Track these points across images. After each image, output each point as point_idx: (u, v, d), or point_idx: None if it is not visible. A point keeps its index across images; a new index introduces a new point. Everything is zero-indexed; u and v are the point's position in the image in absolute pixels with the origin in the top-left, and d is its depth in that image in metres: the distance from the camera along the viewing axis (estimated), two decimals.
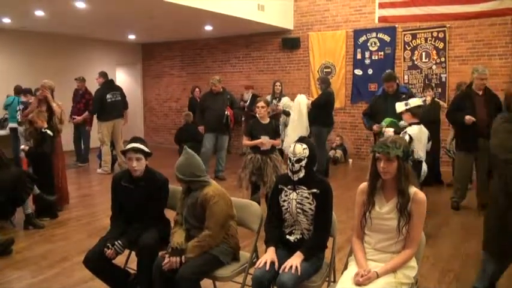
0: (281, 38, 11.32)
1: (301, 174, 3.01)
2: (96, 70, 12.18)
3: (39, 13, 8.77)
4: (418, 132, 5.14)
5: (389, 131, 5.42)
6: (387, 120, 5.75)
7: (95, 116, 9.45)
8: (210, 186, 3.26)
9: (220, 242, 3.22)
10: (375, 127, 6.15)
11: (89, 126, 10.07)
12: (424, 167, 5.23)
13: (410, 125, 5.23)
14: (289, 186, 3.08)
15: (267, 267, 2.85)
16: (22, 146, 5.88)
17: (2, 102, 10.23)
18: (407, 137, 4.97)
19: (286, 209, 3.06)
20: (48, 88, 6.36)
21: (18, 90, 9.61)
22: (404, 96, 6.16)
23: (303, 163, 3.00)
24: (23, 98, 9.10)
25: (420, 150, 5.16)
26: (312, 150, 3.08)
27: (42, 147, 5.93)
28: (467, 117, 5.94)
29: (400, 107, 5.37)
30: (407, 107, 5.27)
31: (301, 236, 3.05)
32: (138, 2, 7.69)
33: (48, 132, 5.99)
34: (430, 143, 5.44)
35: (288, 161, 3.06)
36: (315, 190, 2.99)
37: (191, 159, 3.29)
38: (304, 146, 3.04)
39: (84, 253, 3.43)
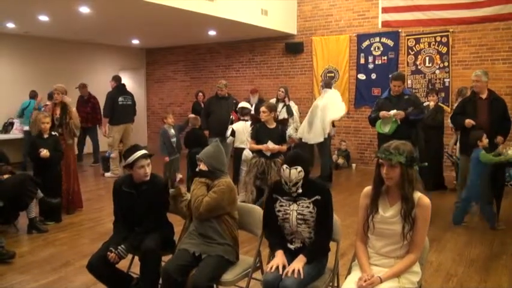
0: (284, 42, 11.34)
1: (300, 190, 2.97)
2: (100, 75, 12.36)
3: (43, 18, 8.81)
4: (241, 128, 7.09)
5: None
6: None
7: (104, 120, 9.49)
8: (224, 179, 3.35)
9: (219, 237, 3.26)
10: (383, 113, 6.08)
11: (100, 125, 10.19)
12: (245, 152, 6.72)
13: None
14: (285, 198, 3.03)
15: (280, 271, 2.83)
16: (44, 151, 5.79)
17: (5, 107, 10.32)
18: (229, 131, 7.15)
19: (284, 219, 3.02)
20: (61, 92, 6.41)
21: (33, 95, 10.01)
22: (407, 97, 6.16)
23: (300, 184, 2.96)
24: (48, 102, 9.21)
25: (243, 142, 6.93)
26: (307, 166, 3.01)
27: (58, 149, 5.97)
28: (467, 120, 5.95)
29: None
30: (237, 108, 7.79)
31: (302, 245, 3.02)
32: (142, 7, 7.71)
33: (55, 133, 6.03)
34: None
35: (284, 183, 2.99)
36: (316, 197, 2.96)
37: (218, 153, 3.43)
38: (299, 168, 2.94)
39: (87, 257, 3.43)
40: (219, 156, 3.43)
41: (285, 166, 2.98)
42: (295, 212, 2.98)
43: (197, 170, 3.39)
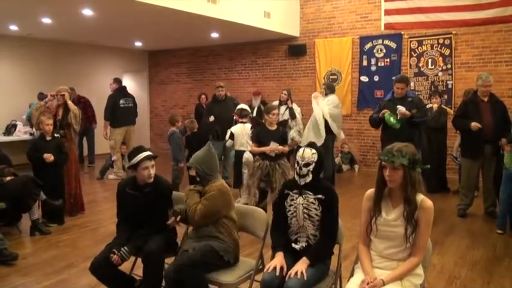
0: (287, 45, 11.35)
1: (309, 178, 3.02)
2: (103, 77, 12.40)
3: (46, 20, 8.83)
4: (240, 130, 7.08)
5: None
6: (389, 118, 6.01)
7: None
8: (216, 182, 3.37)
9: (216, 237, 3.28)
10: (385, 110, 6.08)
11: (95, 124, 10.88)
12: (246, 154, 6.77)
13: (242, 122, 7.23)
14: (295, 191, 3.08)
15: (277, 272, 2.84)
16: (49, 156, 5.82)
17: (7, 109, 10.34)
18: (228, 134, 7.10)
19: (292, 213, 3.06)
20: (67, 93, 6.53)
21: (41, 98, 10.00)
22: (410, 99, 6.16)
23: (311, 167, 3.02)
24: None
25: (243, 144, 6.96)
26: (321, 156, 3.09)
27: (61, 152, 6.00)
28: (473, 123, 5.92)
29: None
30: (236, 109, 7.68)
31: (306, 244, 3.04)
32: (145, 10, 7.73)
33: (58, 135, 6.06)
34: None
35: (296, 165, 3.06)
36: (320, 196, 2.99)
37: (209, 157, 3.43)
38: (313, 150, 3.06)
39: (90, 259, 3.44)
40: (210, 161, 3.43)
41: (301, 147, 3.11)
42: (302, 206, 3.02)
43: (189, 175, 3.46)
